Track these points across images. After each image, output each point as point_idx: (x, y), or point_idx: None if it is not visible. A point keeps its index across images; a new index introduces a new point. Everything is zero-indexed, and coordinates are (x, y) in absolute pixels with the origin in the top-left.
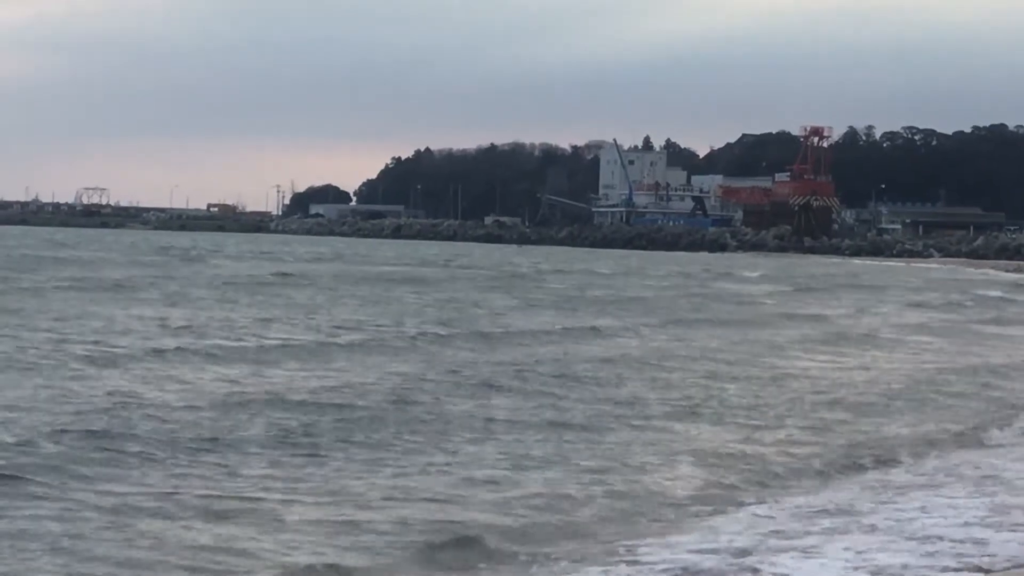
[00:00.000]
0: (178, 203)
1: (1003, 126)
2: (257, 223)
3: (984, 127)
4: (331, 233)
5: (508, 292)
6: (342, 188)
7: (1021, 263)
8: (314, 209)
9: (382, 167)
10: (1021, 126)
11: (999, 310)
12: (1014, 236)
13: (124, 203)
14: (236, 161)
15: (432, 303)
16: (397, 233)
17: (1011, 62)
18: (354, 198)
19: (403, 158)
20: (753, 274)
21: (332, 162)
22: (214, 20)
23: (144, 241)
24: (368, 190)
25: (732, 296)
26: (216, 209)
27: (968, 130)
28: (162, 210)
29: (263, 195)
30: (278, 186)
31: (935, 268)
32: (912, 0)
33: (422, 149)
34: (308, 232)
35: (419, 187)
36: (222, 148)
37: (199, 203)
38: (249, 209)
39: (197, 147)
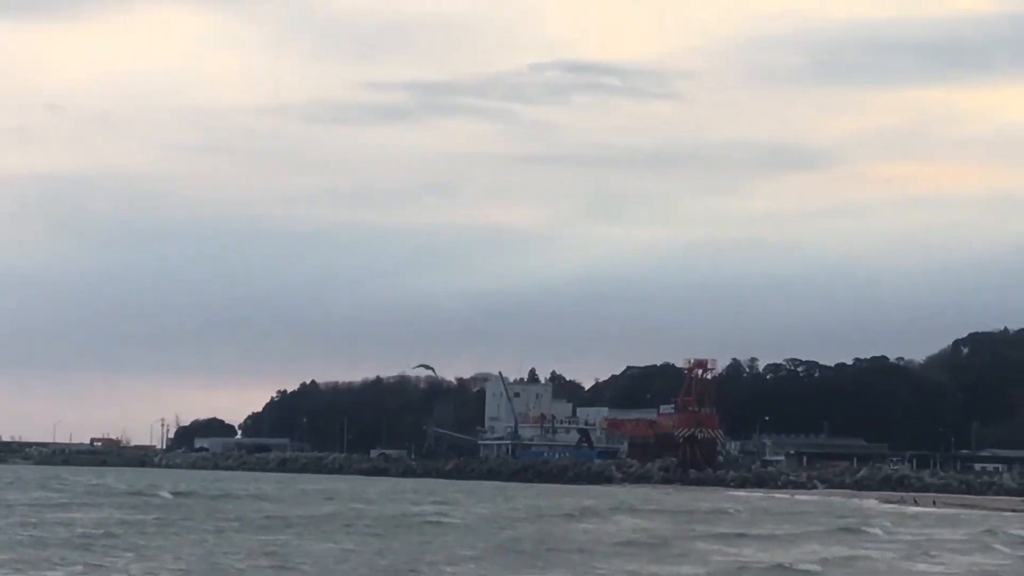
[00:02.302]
0: (61, 437)
1: (884, 358)
2: (141, 457)
3: (865, 359)
4: (216, 467)
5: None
6: (227, 421)
7: (904, 494)
8: (199, 443)
9: (268, 400)
10: (901, 358)
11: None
12: (896, 467)
13: (6, 438)
14: (120, 395)
15: None
16: (283, 467)
17: (891, 295)
18: (240, 431)
19: (289, 391)
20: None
21: (217, 395)
22: (99, 254)
23: None
24: (254, 423)
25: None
26: (100, 443)
27: (850, 362)
28: (44, 444)
29: (148, 429)
30: (163, 420)
31: (809, 500)
32: (794, 234)
33: (308, 382)
34: (192, 466)
35: (305, 420)
36: (106, 382)
37: (83, 437)
38: (134, 443)
39: (80, 381)
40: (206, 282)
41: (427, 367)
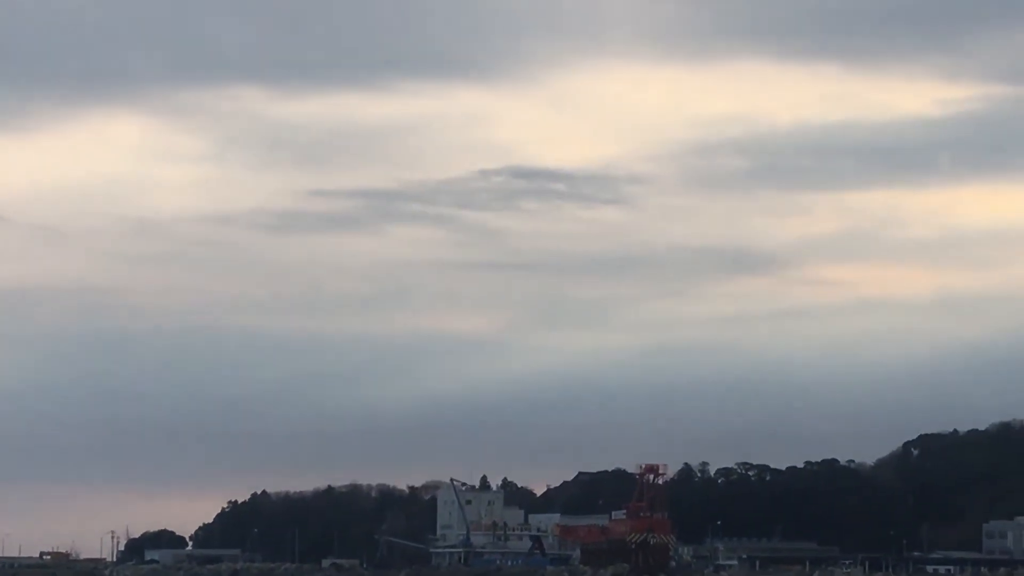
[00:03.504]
0: (10, 551)
1: (834, 461)
2: (91, 570)
3: (816, 462)
4: None
5: None
6: (178, 532)
7: None
8: (149, 555)
9: (218, 510)
10: (852, 461)
11: None
12: (848, 571)
13: None
14: (70, 507)
15: None
16: None
17: (840, 397)
18: (190, 542)
19: (239, 501)
20: None
21: (168, 506)
22: (45, 365)
23: None
24: (204, 534)
25: None
26: (49, 556)
27: (801, 465)
28: None
29: (98, 541)
30: (112, 532)
31: None
32: (743, 337)
33: (259, 492)
34: None
35: (256, 530)
36: (55, 494)
37: (32, 551)
38: (83, 556)
39: (29, 493)
40: (155, 392)
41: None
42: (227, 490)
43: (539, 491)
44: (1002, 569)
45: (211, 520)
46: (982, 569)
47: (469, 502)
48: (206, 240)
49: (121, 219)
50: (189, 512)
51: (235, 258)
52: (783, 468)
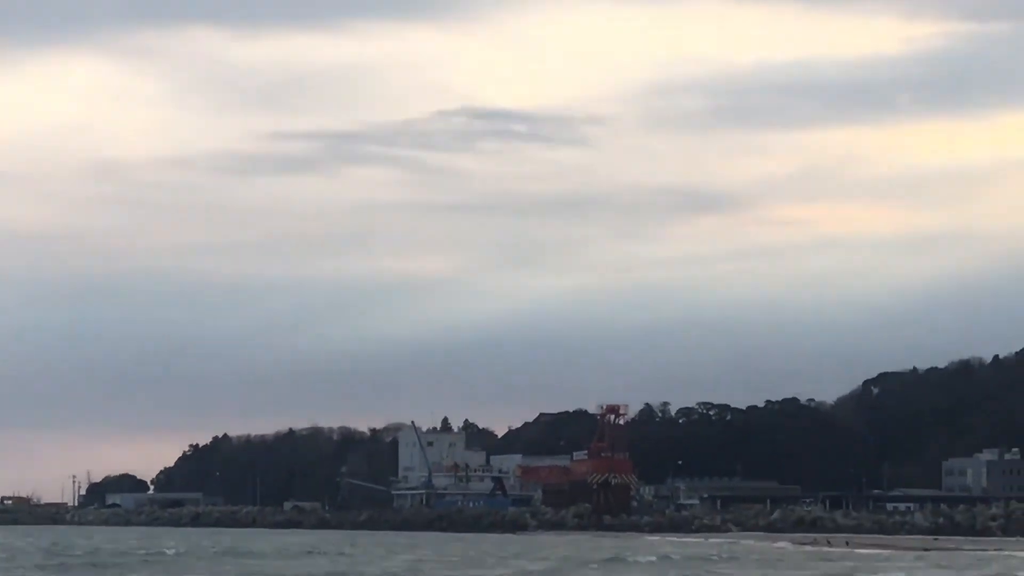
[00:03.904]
0: None
1: (795, 400)
2: (52, 515)
3: (776, 401)
4: (128, 523)
5: None
6: (139, 476)
7: (817, 536)
8: (111, 499)
9: (180, 454)
10: (812, 399)
11: None
12: (809, 509)
13: None
14: (31, 452)
15: None
16: (196, 521)
17: (801, 336)
18: (152, 486)
19: (201, 445)
20: None
21: (129, 450)
22: (7, 311)
23: None
24: (166, 478)
25: None
26: (10, 502)
27: (761, 404)
28: None
29: (59, 486)
30: (74, 476)
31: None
32: (704, 277)
33: (220, 435)
34: (105, 522)
35: (218, 473)
36: (16, 438)
37: None
38: (45, 500)
39: None
40: (115, 336)
41: None
42: (188, 434)
43: (500, 432)
44: (961, 506)
45: (172, 464)
46: (941, 506)
47: (431, 444)
48: (164, 184)
49: (78, 162)
50: (150, 456)
51: (194, 202)
52: (744, 407)
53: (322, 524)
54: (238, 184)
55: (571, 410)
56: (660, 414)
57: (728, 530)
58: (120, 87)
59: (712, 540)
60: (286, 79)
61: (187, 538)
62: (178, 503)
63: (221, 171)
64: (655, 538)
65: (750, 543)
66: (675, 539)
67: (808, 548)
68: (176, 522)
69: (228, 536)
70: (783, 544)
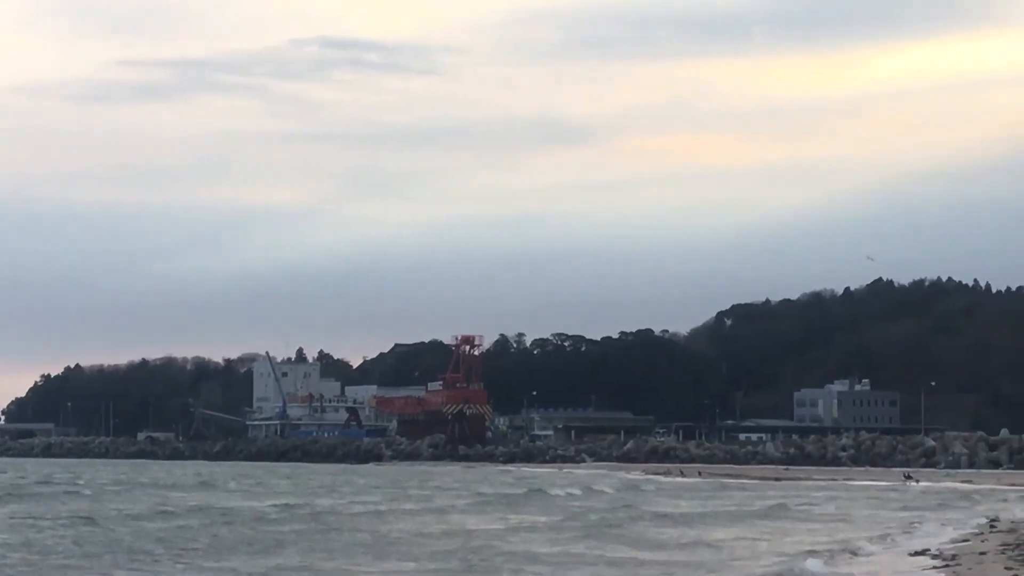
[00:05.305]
0: None
1: (649, 331)
2: None
3: (631, 332)
4: None
5: None
6: None
7: (670, 466)
8: None
9: (31, 384)
10: (666, 331)
11: None
12: (663, 439)
13: None
14: None
15: None
16: (48, 452)
17: (656, 268)
18: (2, 417)
19: (52, 375)
20: None
21: None
22: None
23: None
24: (17, 408)
25: None
26: None
27: (616, 335)
28: None
29: None
30: None
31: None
32: (559, 209)
33: (72, 365)
34: None
35: (70, 404)
36: None
37: None
38: None
39: None
40: None
41: None
42: (40, 364)
43: (355, 363)
44: (812, 436)
45: (24, 394)
46: (793, 436)
47: (285, 374)
48: (15, 111)
49: None
50: (1, 386)
51: (46, 130)
52: (598, 339)
53: (176, 455)
54: (90, 112)
55: (426, 341)
56: (515, 345)
57: (582, 460)
58: None
59: (566, 470)
60: (138, 5)
61: (40, 468)
62: (30, 433)
63: (73, 99)
64: (512, 468)
65: (602, 472)
66: (529, 469)
67: (662, 478)
68: (27, 453)
69: (85, 467)
70: (636, 475)
